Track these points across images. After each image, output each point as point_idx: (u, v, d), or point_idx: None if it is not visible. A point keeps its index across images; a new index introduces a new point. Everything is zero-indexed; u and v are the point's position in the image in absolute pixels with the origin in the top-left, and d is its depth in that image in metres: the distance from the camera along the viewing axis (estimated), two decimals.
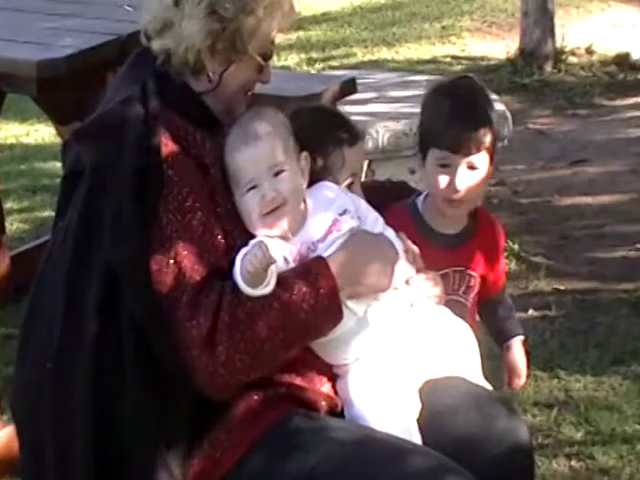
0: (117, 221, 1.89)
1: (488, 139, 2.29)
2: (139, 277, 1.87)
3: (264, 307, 1.87)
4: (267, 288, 1.86)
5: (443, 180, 2.28)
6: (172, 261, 1.86)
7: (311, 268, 1.92)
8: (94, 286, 1.90)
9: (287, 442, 1.90)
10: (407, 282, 2.08)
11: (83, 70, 3.46)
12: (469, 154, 2.27)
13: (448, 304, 2.19)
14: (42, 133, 6.30)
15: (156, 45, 2.00)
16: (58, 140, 5.16)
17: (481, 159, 2.28)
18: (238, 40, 1.97)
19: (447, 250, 2.34)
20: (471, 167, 2.28)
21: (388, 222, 2.19)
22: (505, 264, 2.51)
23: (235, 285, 1.87)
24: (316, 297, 1.89)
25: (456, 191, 2.28)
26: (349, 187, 2.11)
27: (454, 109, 2.28)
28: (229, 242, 1.92)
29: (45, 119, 5.69)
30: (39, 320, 1.98)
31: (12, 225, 4.90)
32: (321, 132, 2.13)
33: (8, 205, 5.00)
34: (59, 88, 3.50)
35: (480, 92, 2.36)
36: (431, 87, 2.39)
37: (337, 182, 2.09)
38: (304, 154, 2.02)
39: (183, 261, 1.86)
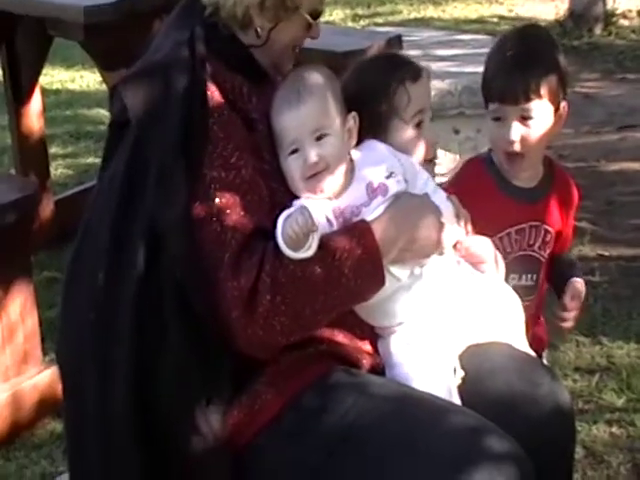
0: (161, 178, 1.87)
1: (544, 86, 2.23)
2: (182, 234, 1.85)
3: (305, 271, 1.85)
4: (308, 252, 1.85)
5: (497, 133, 2.26)
6: (215, 219, 1.84)
7: (354, 232, 1.90)
8: (137, 241, 1.89)
9: (326, 397, 1.90)
10: (455, 246, 2.07)
11: (130, 16, 3.45)
12: (518, 103, 2.23)
13: (523, 259, 2.16)
14: (87, 80, 6.31)
15: None
16: (103, 87, 5.17)
17: (537, 108, 2.23)
18: None
19: (524, 204, 2.32)
20: (525, 117, 2.24)
21: (463, 177, 2.14)
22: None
23: (278, 246, 1.85)
24: (359, 262, 1.87)
25: (511, 143, 2.24)
26: (418, 126, 2.08)
27: (503, 59, 2.24)
28: (274, 200, 1.91)
29: (91, 65, 5.70)
30: (83, 270, 1.98)
31: (56, 170, 4.92)
32: (382, 74, 2.09)
33: (52, 150, 5.02)
34: (106, 34, 3.50)
35: (541, 39, 2.31)
36: (497, 38, 2.35)
37: (405, 122, 2.06)
38: (352, 114, 1.99)
39: (226, 220, 1.85)
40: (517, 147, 2.25)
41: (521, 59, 2.24)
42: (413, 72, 2.10)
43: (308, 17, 1.99)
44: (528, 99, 2.22)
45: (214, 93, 1.90)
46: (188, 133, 1.86)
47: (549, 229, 2.35)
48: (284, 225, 1.84)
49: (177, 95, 1.89)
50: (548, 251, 2.36)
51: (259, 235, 1.86)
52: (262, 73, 2.01)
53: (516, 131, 2.24)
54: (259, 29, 1.97)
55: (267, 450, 1.88)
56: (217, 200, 1.85)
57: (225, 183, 1.86)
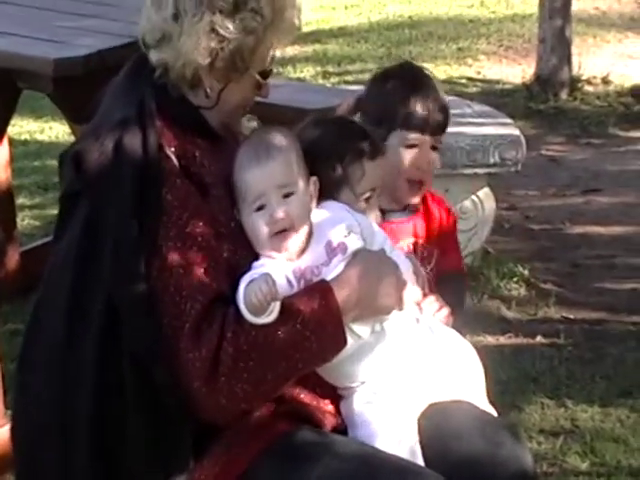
0: (117, 251, 1.86)
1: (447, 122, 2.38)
2: (140, 308, 1.85)
3: (267, 336, 1.85)
4: (270, 317, 1.85)
5: (410, 160, 2.31)
6: (173, 289, 1.84)
7: (315, 294, 1.90)
8: (94, 319, 1.88)
9: (290, 456, 1.89)
10: (416, 304, 2.07)
11: (100, 70, 3.45)
12: (438, 134, 2.34)
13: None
14: (56, 131, 6.29)
15: (154, 56, 1.96)
16: (72, 138, 5.16)
17: (441, 140, 2.37)
18: (238, 59, 1.94)
19: (398, 223, 2.36)
20: (434, 147, 2.35)
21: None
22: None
23: (238, 312, 1.85)
24: (321, 323, 1.87)
25: (424, 171, 2.32)
26: (367, 201, 2.09)
27: (418, 92, 2.33)
28: (233, 262, 1.91)
29: (60, 117, 5.69)
30: (39, 352, 1.96)
31: (23, 221, 4.89)
32: (343, 141, 2.12)
33: (20, 201, 4.99)
34: (75, 87, 3.50)
35: (429, 76, 2.43)
36: (379, 74, 2.44)
37: (355, 194, 2.07)
38: (313, 179, 2.00)
39: (184, 289, 1.84)
40: (424, 175, 2.33)
41: (435, 94, 2.36)
42: (373, 149, 2.11)
43: (258, 77, 1.99)
44: (443, 131, 2.36)
45: (166, 161, 1.89)
46: (142, 204, 1.86)
47: (425, 245, 2.38)
48: (246, 291, 1.83)
49: (129, 165, 1.88)
50: (429, 267, 2.37)
51: (218, 302, 1.85)
52: (213, 134, 2.00)
53: (433, 159, 2.33)
54: (208, 90, 1.96)
55: None
56: (174, 270, 1.84)
57: (181, 253, 1.85)
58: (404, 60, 2.62)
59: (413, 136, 2.33)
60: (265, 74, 2.01)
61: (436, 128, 2.34)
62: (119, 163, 1.89)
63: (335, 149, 2.09)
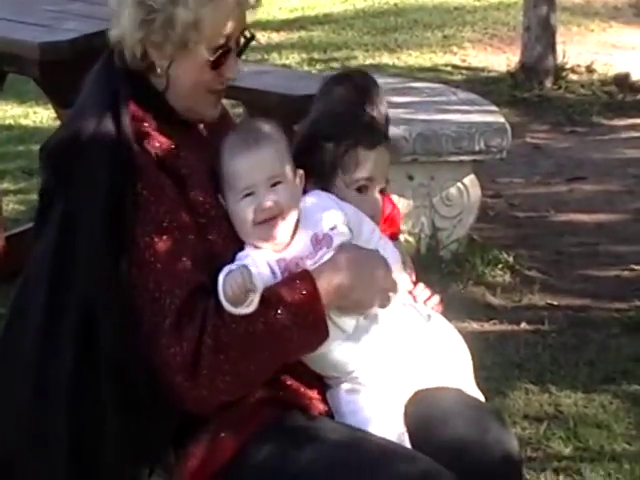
0: (92, 251, 1.85)
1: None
2: (118, 306, 1.84)
3: (248, 328, 1.84)
4: (249, 308, 1.84)
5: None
6: (152, 285, 1.83)
7: (295, 284, 1.89)
8: (72, 317, 1.86)
9: (279, 441, 1.90)
10: (409, 293, 2.07)
11: (86, 54, 3.44)
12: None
13: None
14: (41, 115, 6.27)
15: (111, 39, 1.96)
16: (57, 123, 5.14)
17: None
18: (171, 32, 1.91)
19: None
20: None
21: None
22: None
23: (219, 304, 1.84)
24: (301, 314, 1.87)
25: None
26: (360, 190, 2.08)
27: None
28: (213, 252, 1.90)
29: (44, 101, 5.67)
30: (15, 346, 1.94)
31: (8, 206, 4.87)
32: (341, 124, 2.09)
33: (4, 186, 4.99)
34: (61, 71, 3.49)
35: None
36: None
37: (345, 184, 2.06)
38: (300, 172, 1.99)
39: (163, 285, 1.83)
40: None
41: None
42: (372, 138, 2.08)
43: (205, 53, 1.94)
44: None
45: (141, 155, 1.88)
46: (118, 200, 1.84)
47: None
48: (224, 282, 1.83)
49: (103, 162, 1.86)
50: None
51: (199, 294, 1.84)
52: (182, 121, 1.98)
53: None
54: (159, 69, 1.95)
55: None
56: (152, 265, 1.83)
57: (159, 247, 1.84)
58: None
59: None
60: (219, 51, 1.94)
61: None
62: (93, 160, 1.87)
63: (332, 131, 2.07)
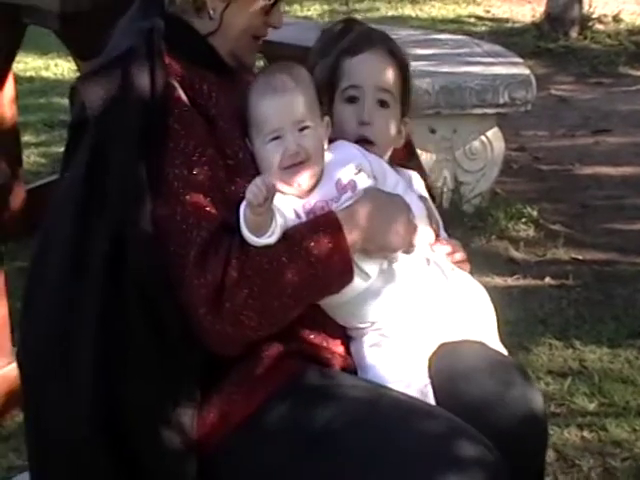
0: (123, 180, 1.84)
1: None
2: (145, 235, 1.83)
3: (272, 262, 1.83)
4: (272, 238, 1.83)
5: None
6: (179, 217, 1.82)
7: (320, 222, 1.88)
8: (99, 248, 1.85)
9: (300, 398, 1.88)
10: (429, 246, 2.06)
11: (107, 5, 3.41)
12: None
13: None
14: (62, 68, 6.26)
15: None
16: (78, 75, 5.13)
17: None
18: None
19: None
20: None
21: None
22: None
23: (243, 240, 1.84)
24: (325, 251, 1.86)
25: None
26: (349, 101, 2.03)
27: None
28: (240, 195, 1.88)
29: (65, 54, 5.65)
30: (44, 275, 1.93)
31: (29, 158, 4.87)
32: (327, 44, 2.07)
33: (25, 138, 4.97)
34: (82, 23, 3.47)
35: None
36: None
37: (340, 99, 2.03)
38: (327, 119, 1.99)
39: (190, 217, 1.83)
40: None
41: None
42: (355, 44, 2.07)
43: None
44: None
45: (174, 90, 1.87)
46: (148, 132, 1.84)
47: None
48: (245, 210, 1.82)
49: (136, 93, 1.86)
50: None
51: (224, 231, 1.84)
52: (222, 64, 1.98)
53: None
54: (211, 11, 1.94)
55: (238, 452, 1.86)
56: (179, 197, 1.83)
57: (187, 180, 1.84)
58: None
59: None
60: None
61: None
62: (125, 95, 1.87)
63: (320, 51, 2.07)
